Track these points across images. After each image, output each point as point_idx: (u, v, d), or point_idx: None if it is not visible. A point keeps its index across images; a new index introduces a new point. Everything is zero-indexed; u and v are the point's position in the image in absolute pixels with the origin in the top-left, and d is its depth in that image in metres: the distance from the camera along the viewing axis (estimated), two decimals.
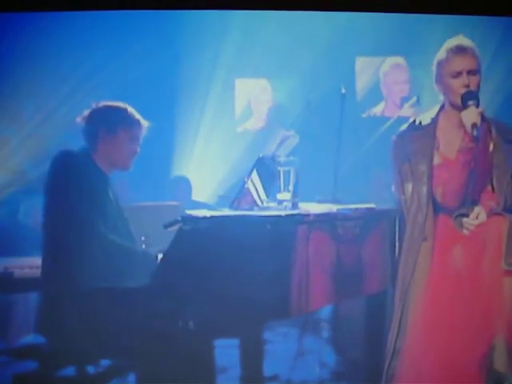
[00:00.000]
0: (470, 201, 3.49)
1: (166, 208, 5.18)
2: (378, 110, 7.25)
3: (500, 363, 3.25)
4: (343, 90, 4.56)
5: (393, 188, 3.71)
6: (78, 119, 3.67)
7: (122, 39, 6.42)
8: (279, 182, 3.23)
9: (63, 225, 3.41)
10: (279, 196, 3.24)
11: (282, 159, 3.24)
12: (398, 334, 3.48)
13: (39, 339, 3.52)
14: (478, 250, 3.40)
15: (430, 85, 6.67)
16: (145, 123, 3.65)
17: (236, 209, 3.30)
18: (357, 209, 3.44)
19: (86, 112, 3.65)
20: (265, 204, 3.48)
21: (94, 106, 3.67)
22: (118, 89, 5.73)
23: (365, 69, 7.19)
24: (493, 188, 3.52)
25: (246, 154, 6.80)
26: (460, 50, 3.56)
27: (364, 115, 7.07)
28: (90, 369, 3.56)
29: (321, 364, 4.80)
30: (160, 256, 3.40)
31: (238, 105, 7.19)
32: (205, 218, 3.01)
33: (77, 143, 3.67)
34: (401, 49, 7.05)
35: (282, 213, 3.05)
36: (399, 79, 7.20)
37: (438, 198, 3.53)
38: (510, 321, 3.28)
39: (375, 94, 7.22)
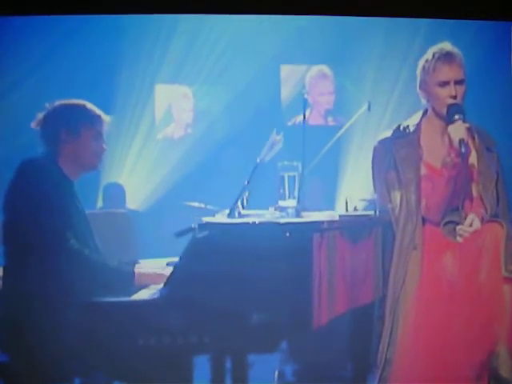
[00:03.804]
0: (456, 208, 3.48)
1: (112, 216, 5.00)
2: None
3: (505, 370, 3.25)
4: (306, 95, 4.49)
5: (375, 195, 3.65)
6: (33, 124, 3.40)
7: (54, 45, 6.19)
8: (283, 189, 3.07)
9: (30, 238, 3.16)
10: (283, 203, 3.08)
11: (286, 164, 3.09)
12: (388, 344, 3.42)
13: (4, 357, 3.25)
14: (472, 257, 3.37)
15: (355, 94, 6.76)
16: (106, 118, 3.42)
17: (235, 217, 3.13)
18: (358, 216, 3.35)
19: (41, 115, 3.39)
20: (242, 212, 3.33)
21: (48, 107, 3.41)
22: (46, 96, 5.45)
23: (290, 76, 7.15)
24: (472, 197, 3.52)
25: (180, 161, 6.68)
26: (448, 58, 3.48)
27: (289, 123, 7.01)
28: None
29: (277, 373, 4.69)
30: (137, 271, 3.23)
31: (157, 111, 7.03)
32: (219, 225, 2.84)
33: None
34: (327, 57, 7.06)
35: (302, 220, 2.93)
36: (324, 90, 7.21)
37: (422, 211, 3.49)
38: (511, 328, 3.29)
39: (300, 101, 7.17)
